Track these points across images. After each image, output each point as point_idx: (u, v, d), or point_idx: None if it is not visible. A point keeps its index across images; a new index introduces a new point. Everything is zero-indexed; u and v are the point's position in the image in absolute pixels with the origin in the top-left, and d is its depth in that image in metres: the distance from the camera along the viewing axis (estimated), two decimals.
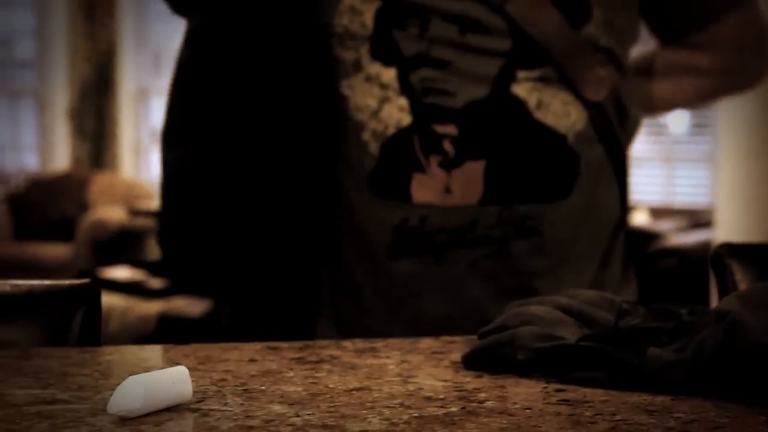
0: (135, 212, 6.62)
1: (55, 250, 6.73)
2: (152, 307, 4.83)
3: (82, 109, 7.62)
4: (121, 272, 5.49)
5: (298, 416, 0.73)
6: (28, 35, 7.76)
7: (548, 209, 1.24)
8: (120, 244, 6.49)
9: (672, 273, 3.89)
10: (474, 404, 0.77)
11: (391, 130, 1.23)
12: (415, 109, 1.22)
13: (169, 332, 4.86)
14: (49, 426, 0.71)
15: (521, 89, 1.22)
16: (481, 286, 1.25)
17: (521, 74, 1.22)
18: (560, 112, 1.24)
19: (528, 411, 0.75)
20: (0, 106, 7.78)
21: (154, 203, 6.89)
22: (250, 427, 0.70)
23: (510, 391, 0.81)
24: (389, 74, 1.22)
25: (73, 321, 1.00)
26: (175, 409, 0.75)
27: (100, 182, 7.09)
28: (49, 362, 0.91)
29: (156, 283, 5.24)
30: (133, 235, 6.51)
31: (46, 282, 1.01)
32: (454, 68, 1.22)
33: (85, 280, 1.01)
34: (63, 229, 6.83)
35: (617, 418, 0.74)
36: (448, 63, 1.21)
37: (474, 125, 1.22)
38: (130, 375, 0.84)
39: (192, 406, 0.76)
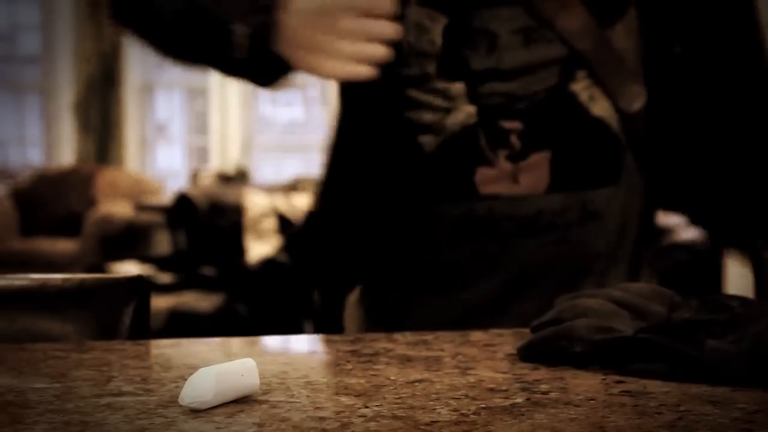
0: (141, 207, 6.63)
1: (62, 246, 6.73)
2: (162, 302, 4.84)
3: (87, 104, 7.63)
4: (129, 267, 5.49)
5: (367, 407, 0.74)
6: (33, 30, 7.76)
7: (605, 193, 1.31)
8: (126, 239, 6.49)
9: (683, 268, 3.90)
10: (538, 395, 0.78)
11: (456, 128, 1.27)
12: (481, 110, 1.27)
13: (179, 327, 4.88)
14: (122, 417, 0.71)
15: (577, 86, 1.29)
16: (542, 271, 1.29)
17: (580, 74, 1.28)
18: (607, 105, 1.29)
19: (592, 402, 0.76)
20: (5, 101, 7.77)
21: (160, 198, 6.90)
22: (322, 418, 0.71)
23: (570, 382, 0.82)
24: (457, 88, 1.27)
25: (123, 315, 1.01)
26: (243, 401, 0.75)
27: (105, 177, 7.10)
28: (106, 355, 0.91)
29: (165, 278, 5.26)
30: (139, 230, 6.51)
31: (98, 276, 1.02)
32: (521, 78, 1.27)
33: (136, 275, 1.02)
34: (69, 225, 6.84)
35: (681, 408, 0.74)
36: (515, 74, 1.26)
37: (537, 120, 1.27)
38: (189, 367, 0.85)
39: (259, 398, 0.76)
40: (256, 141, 7.40)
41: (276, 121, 7.56)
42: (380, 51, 1.10)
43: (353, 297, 1.36)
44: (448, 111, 1.27)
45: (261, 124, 7.47)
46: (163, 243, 6.32)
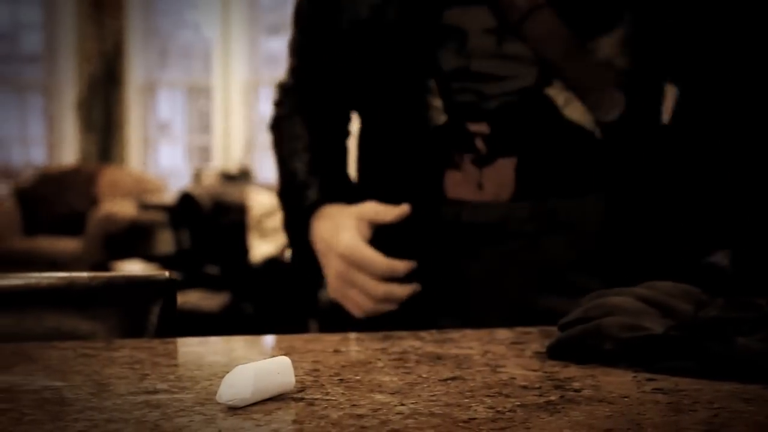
0: (144, 206, 6.63)
1: (65, 245, 6.73)
2: None
3: (89, 103, 7.63)
4: (133, 266, 5.50)
5: (402, 405, 0.74)
6: (35, 29, 7.76)
7: (579, 203, 1.26)
8: (130, 238, 6.49)
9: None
10: (571, 393, 0.78)
11: (430, 128, 1.26)
12: (449, 108, 1.25)
13: (183, 326, 4.88)
14: (160, 415, 0.72)
15: (552, 90, 1.25)
16: (517, 280, 1.26)
17: (556, 80, 1.25)
18: (585, 110, 1.26)
19: (626, 399, 0.77)
20: (8, 100, 7.77)
21: (163, 197, 6.90)
22: (360, 416, 0.71)
23: (602, 380, 0.83)
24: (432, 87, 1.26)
25: (151, 313, 1.01)
26: (279, 398, 0.76)
27: (108, 176, 7.09)
28: (137, 353, 0.92)
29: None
30: (142, 229, 6.51)
31: (125, 274, 1.02)
32: (493, 78, 1.25)
33: (164, 273, 1.02)
34: (71, 224, 6.84)
35: (716, 406, 0.75)
36: (487, 75, 1.24)
37: (505, 123, 1.24)
38: (220, 365, 0.85)
39: (295, 396, 0.77)
40: (258, 140, 7.40)
41: None
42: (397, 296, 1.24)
43: None
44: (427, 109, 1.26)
45: (263, 124, 7.47)
46: (166, 242, 6.32)
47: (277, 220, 5.96)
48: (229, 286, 5.21)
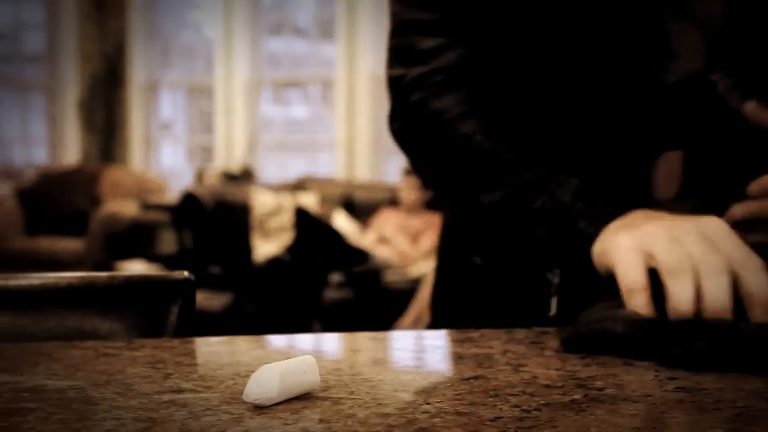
0: (147, 206, 6.64)
1: (67, 244, 6.74)
2: None
3: (91, 103, 7.63)
4: (136, 266, 5.50)
5: (428, 404, 0.74)
6: (37, 29, 7.76)
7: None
8: (132, 238, 6.51)
9: None
10: (594, 392, 0.78)
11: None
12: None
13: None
14: (188, 413, 0.72)
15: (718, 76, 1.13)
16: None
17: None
18: None
19: (649, 398, 0.77)
20: (10, 101, 7.78)
21: (164, 197, 6.90)
22: (387, 414, 0.72)
23: (624, 379, 0.83)
24: None
25: (170, 313, 1.02)
26: (304, 397, 0.76)
27: (110, 176, 7.11)
28: (158, 353, 0.92)
29: None
30: (145, 229, 6.53)
31: (144, 273, 1.03)
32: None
33: (182, 273, 1.03)
34: (73, 224, 6.85)
35: (739, 405, 0.75)
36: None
37: (673, 112, 1.15)
38: (242, 365, 0.85)
39: (320, 395, 0.77)
40: (260, 140, 7.40)
41: (281, 120, 7.57)
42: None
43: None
44: None
45: (266, 124, 7.48)
46: (168, 242, 6.33)
47: (280, 220, 5.96)
48: (231, 286, 5.22)
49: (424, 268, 5.38)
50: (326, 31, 7.11)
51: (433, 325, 1.26)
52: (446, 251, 1.31)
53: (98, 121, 7.66)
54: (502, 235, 1.14)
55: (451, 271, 1.29)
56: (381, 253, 5.56)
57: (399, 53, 1.19)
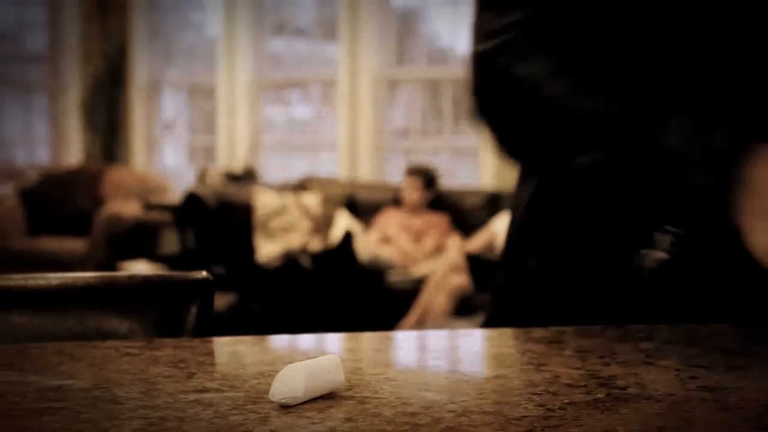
0: (149, 206, 6.64)
1: (70, 245, 6.74)
2: None
3: (93, 103, 7.64)
4: (140, 266, 5.50)
5: (453, 402, 0.75)
6: (39, 29, 7.77)
7: None
8: (135, 238, 6.50)
9: None
10: (617, 391, 0.79)
11: None
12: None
13: None
14: (214, 413, 0.72)
15: None
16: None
17: None
18: None
19: (672, 397, 0.77)
20: (12, 101, 7.78)
21: (167, 197, 6.91)
22: (413, 413, 0.72)
23: (645, 378, 0.83)
24: None
25: (188, 313, 1.02)
26: (329, 396, 0.76)
27: (113, 176, 7.10)
28: (180, 352, 0.92)
29: None
30: (147, 229, 6.53)
31: (163, 273, 1.03)
32: None
33: (201, 273, 1.03)
34: (76, 224, 6.85)
35: (762, 403, 0.76)
36: None
37: None
38: (264, 364, 0.85)
39: (344, 394, 0.77)
40: (263, 140, 7.41)
41: (283, 120, 7.58)
42: None
43: None
44: None
45: (268, 124, 7.49)
46: (171, 242, 6.33)
47: (283, 220, 5.97)
48: (235, 287, 5.22)
49: (427, 268, 5.39)
50: (328, 31, 7.11)
51: (498, 320, 1.19)
52: (519, 244, 1.23)
53: (100, 121, 7.66)
54: (597, 202, 1.08)
55: (522, 265, 1.21)
56: (384, 252, 5.56)
57: (483, 28, 1.16)
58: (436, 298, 5.05)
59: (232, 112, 7.29)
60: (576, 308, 1.13)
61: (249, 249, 5.85)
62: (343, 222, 5.89)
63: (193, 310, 1.02)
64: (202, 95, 7.71)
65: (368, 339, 0.99)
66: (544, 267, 1.16)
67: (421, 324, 5.01)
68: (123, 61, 7.61)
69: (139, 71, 7.66)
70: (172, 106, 7.93)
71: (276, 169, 7.29)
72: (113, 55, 7.57)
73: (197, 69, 7.71)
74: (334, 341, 0.99)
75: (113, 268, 5.81)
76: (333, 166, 6.98)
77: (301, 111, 7.64)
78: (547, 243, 1.16)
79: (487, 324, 1.23)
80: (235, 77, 7.23)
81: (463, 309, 4.99)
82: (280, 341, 1.03)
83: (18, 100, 7.81)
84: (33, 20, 7.77)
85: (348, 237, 5.36)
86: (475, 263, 5.04)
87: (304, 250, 5.46)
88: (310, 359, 0.77)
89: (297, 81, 7.36)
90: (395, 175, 6.49)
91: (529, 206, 1.19)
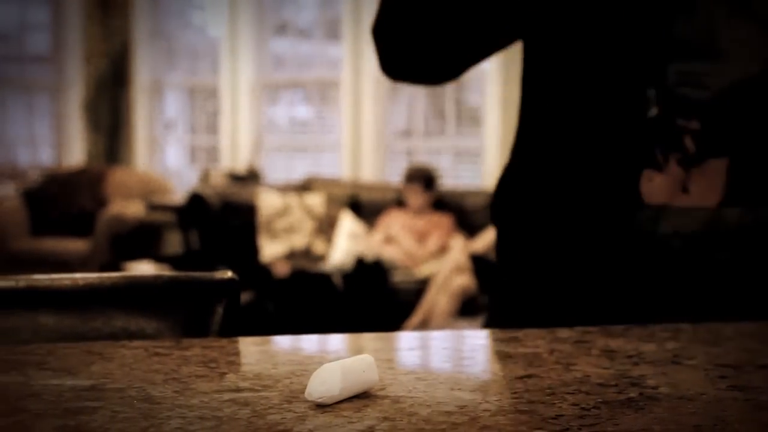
0: (152, 207, 6.65)
1: (73, 245, 6.75)
2: None
3: (96, 104, 7.64)
4: (144, 267, 5.51)
5: (488, 401, 0.75)
6: (42, 30, 7.77)
7: None
8: (138, 238, 6.51)
9: None
10: (650, 390, 0.79)
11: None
12: (662, 99, 1.12)
13: None
14: (251, 412, 0.73)
15: None
16: (722, 298, 1.15)
17: None
18: None
19: (704, 396, 0.78)
20: (15, 101, 7.79)
21: (169, 197, 6.91)
22: (449, 413, 0.72)
23: (675, 378, 0.84)
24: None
25: (214, 313, 1.03)
26: (364, 395, 0.77)
27: (116, 177, 7.11)
28: (209, 352, 0.93)
29: None
30: (151, 229, 6.53)
31: (189, 274, 1.04)
32: (714, 59, 1.10)
33: (227, 273, 1.03)
34: (80, 224, 6.85)
35: None
36: (711, 52, 1.10)
37: (718, 119, 1.11)
38: (295, 364, 0.86)
39: (379, 394, 0.78)
40: (266, 141, 7.41)
41: (285, 121, 7.58)
42: None
43: None
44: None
45: (270, 124, 7.49)
46: (174, 242, 6.33)
47: (286, 220, 5.98)
48: (247, 286, 5.22)
49: (431, 268, 5.39)
50: (331, 32, 7.12)
51: (498, 317, 1.23)
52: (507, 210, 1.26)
53: (103, 122, 7.66)
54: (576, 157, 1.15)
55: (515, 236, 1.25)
56: (387, 253, 5.57)
57: None
58: (440, 298, 5.06)
59: (235, 112, 7.30)
60: (576, 295, 1.18)
61: (253, 249, 5.85)
62: (348, 222, 5.90)
63: (220, 310, 1.02)
64: (204, 95, 7.72)
65: (395, 339, 0.99)
66: (538, 245, 1.20)
67: (425, 325, 5.01)
68: (125, 62, 7.61)
69: (142, 71, 7.67)
70: (174, 106, 7.94)
71: (279, 169, 7.29)
72: (116, 56, 7.57)
73: (200, 69, 7.72)
74: (359, 341, 0.99)
75: (116, 269, 5.82)
76: (335, 166, 6.99)
77: (304, 111, 7.65)
78: (531, 207, 1.20)
79: (488, 323, 1.24)
80: (237, 78, 7.23)
81: (467, 309, 5.00)
82: (307, 341, 1.03)
83: (20, 100, 7.82)
84: (35, 21, 7.78)
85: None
86: (479, 264, 5.05)
87: (338, 269, 5.44)
88: (345, 359, 0.77)
89: (299, 81, 7.36)
90: (397, 175, 6.50)
91: (506, 177, 1.26)
